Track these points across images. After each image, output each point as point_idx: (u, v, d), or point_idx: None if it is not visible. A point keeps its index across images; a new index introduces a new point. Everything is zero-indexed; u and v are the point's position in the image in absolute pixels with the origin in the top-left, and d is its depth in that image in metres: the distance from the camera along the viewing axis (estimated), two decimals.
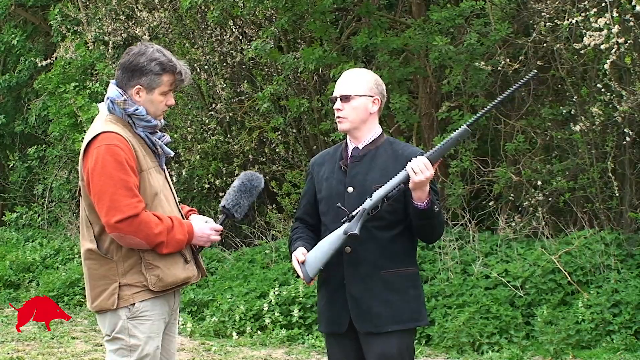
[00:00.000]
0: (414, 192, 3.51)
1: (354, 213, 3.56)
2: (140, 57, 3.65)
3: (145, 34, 10.29)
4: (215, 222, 3.84)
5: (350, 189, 3.67)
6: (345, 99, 3.69)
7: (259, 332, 7.81)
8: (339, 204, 3.60)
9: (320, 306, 3.83)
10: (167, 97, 3.72)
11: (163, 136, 3.79)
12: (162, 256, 3.60)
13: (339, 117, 3.71)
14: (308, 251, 3.65)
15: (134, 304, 3.58)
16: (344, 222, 3.57)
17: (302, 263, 3.62)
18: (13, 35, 13.24)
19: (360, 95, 3.69)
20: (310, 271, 3.60)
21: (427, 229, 3.66)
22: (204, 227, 3.75)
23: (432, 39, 7.80)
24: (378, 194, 3.54)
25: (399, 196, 3.57)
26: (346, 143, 3.81)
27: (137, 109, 3.64)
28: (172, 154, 3.87)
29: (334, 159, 3.81)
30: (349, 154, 3.75)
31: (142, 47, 3.70)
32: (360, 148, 3.74)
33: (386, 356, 3.63)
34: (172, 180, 9.69)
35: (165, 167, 3.83)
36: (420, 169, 3.46)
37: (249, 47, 9.47)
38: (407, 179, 3.50)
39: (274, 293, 7.98)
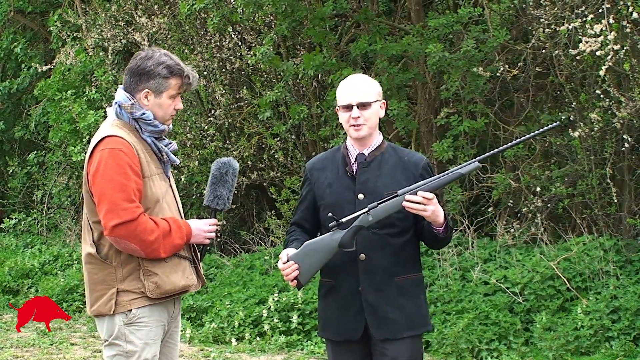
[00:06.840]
0: (428, 219, 3.53)
1: (343, 220, 3.53)
2: (147, 61, 3.66)
3: (144, 40, 10.31)
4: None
5: (361, 196, 3.63)
6: (364, 106, 3.63)
7: (258, 338, 7.81)
8: (330, 214, 3.56)
9: (328, 314, 3.76)
10: (176, 101, 3.73)
11: (170, 144, 3.80)
12: (161, 263, 3.59)
13: (358, 125, 3.64)
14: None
15: (131, 310, 3.57)
16: (333, 228, 3.55)
17: (286, 262, 3.58)
18: (15, 43, 13.24)
19: (374, 101, 3.67)
20: (303, 280, 3.59)
21: (439, 245, 3.76)
22: (200, 224, 3.76)
23: (426, 46, 7.81)
24: (377, 215, 3.50)
25: None
26: (346, 148, 3.75)
27: (144, 113, 3.64)
28: (178, 162, 3.89)
29: (334, 164, 3.74)
30: (353, 160, 3.70)
31: (149, 52, 3.72)
32: (367, 154, 3.70)
33: None
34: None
35: (170, 174, 3.83)
36: (421, 209, 3.45)
37: (249, 53, 9.48)
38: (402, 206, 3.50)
39: (273, 299, 7.97)
